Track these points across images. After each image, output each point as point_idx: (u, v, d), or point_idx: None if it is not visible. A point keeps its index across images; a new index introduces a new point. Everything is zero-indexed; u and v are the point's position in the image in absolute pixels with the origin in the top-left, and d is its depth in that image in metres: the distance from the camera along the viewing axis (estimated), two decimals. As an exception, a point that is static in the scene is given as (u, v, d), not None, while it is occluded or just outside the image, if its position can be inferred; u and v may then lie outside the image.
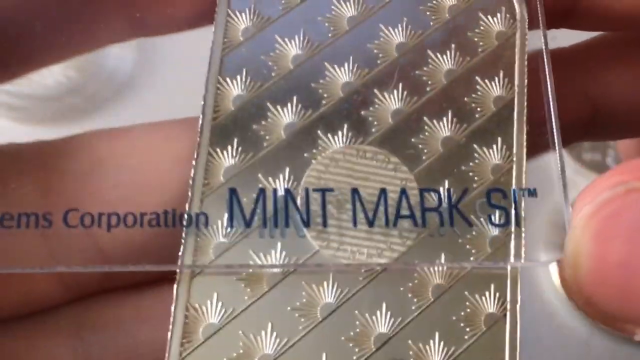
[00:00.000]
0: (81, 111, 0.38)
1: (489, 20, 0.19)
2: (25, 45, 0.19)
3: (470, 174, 0.18)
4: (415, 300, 0.18)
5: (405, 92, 0.19)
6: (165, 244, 0.17)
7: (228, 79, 0.19)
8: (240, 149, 0.18)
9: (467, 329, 0.17)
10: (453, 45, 0.19)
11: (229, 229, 0.17)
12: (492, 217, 0.18)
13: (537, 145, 0.18)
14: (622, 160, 0.36)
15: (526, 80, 0.19)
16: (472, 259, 0.18)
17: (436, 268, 0.18)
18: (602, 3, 0.20)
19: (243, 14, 0.19)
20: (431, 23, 0.19)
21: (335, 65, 0.19)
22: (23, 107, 0.36)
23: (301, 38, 0.19)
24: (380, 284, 0.18)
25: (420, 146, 0.18)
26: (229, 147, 0.18)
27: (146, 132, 0.20)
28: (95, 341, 0.20)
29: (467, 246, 0.18)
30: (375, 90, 0.19)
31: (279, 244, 0.17)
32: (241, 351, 0.17)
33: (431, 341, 0.17)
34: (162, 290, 0.19)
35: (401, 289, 0.18)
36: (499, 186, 0.18)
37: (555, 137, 0.18)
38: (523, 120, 0.18)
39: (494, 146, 0.18)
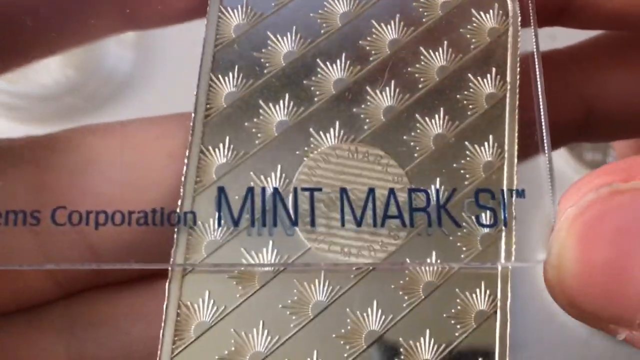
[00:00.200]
0: (80, 110, 0.37)
1: (482, 17, 0.19)
2: (16, 37, 0.19)
3: (462, 171, 0.18)
4: (406, 297, 0.18)
5: (397, 90, 0.19)
6: (156, 241, 0.17)
7: (220, 76, 0.19)
8: (232, 146, 0.18)
9: (458, 326, 0.17)
10: (445, 42, 0.19)
11: (219, 228, 0.17)
12: (480, 218, 0.18)
13: (534, 145, 0.18)
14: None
15: (518, 77, 0.19)
16: (462, 256, 0.18)
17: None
18: (596, 1, 0.20)
19: (235, 11, 0.19)
20: (424, 19, 0.19)
21: (328, 62, 0.19)
22: (22, 106, 0.36)
23: (293, 35, 0.19)
24: (371, 282, 0.18)
25: (412, 143, 0.18)
26: (221, 145, 0.18)
27: (140, 128, 0.20)
28: (89, 337, 0.20)
29: (458, 244, 0.18)
30: (368, 88, 0.19)
31: (270, 242, 0.17)
32: (233, 349, 0.17)
33: (422, 338, 0.17)
34: (155, 287, 0.19)
35: (392, 286, 0.18)
36: (489, 186, 0.18)
37: (545, 136, 0.18)
38: (515, 118, 0.18)
39: (486, 143, 0.18)
